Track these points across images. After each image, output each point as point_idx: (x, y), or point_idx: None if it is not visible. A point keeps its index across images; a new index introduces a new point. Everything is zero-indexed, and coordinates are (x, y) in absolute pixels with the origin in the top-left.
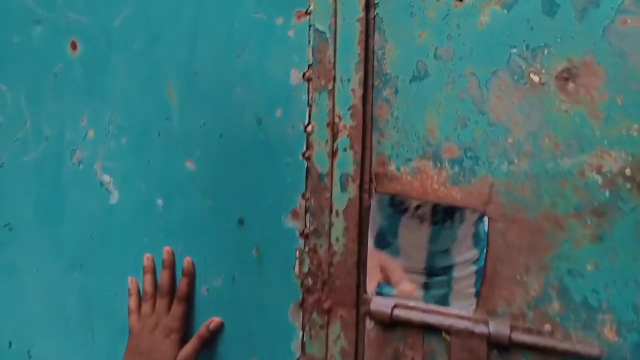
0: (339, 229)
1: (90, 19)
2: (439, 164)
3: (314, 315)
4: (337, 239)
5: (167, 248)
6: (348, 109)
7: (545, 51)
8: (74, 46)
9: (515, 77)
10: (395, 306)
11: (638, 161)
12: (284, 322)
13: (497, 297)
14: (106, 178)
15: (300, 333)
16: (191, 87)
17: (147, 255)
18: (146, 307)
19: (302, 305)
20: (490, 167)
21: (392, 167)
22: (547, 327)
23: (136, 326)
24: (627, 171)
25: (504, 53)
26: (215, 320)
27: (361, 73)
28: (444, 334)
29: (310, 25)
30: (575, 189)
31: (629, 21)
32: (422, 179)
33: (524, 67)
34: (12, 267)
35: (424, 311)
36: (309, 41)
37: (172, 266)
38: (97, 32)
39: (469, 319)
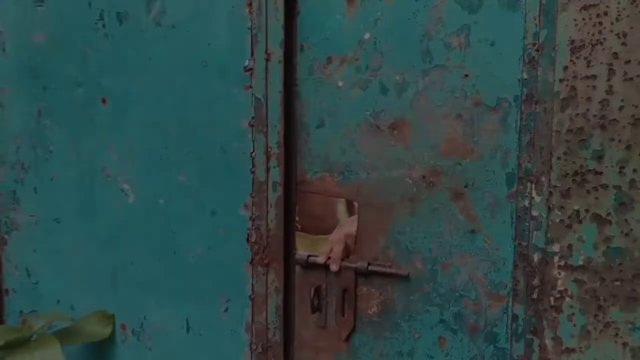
0: (272, 215)
1: (115, 83)
2: (332, 174)
3: (259, 268)
4: (271, 221)
5: None
6: (276, 143)
7: (382, 113)
8: (103, 101)
9: (370, 127)
10: (309, 256)
11: (429, 172)
12: (241, 273)
13: (363, 249)
14: (126, 186)
15: (251, 279)
16: (181, 129)
17: None
18: None
19: (251, 262)
20: (357, 176)
21: (307, 176)
22: (388, 263)
23: None
24: (424, 177)
25: (362, 114)
26: None
27: (282, 122)
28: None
29: (252, 94)
30: (399, 187)
31: (421, 99)
32: (324, 183)
33: (373, 122)
34: (59, 248)
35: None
36: (252, 103)
37: None
38: (120, 93)
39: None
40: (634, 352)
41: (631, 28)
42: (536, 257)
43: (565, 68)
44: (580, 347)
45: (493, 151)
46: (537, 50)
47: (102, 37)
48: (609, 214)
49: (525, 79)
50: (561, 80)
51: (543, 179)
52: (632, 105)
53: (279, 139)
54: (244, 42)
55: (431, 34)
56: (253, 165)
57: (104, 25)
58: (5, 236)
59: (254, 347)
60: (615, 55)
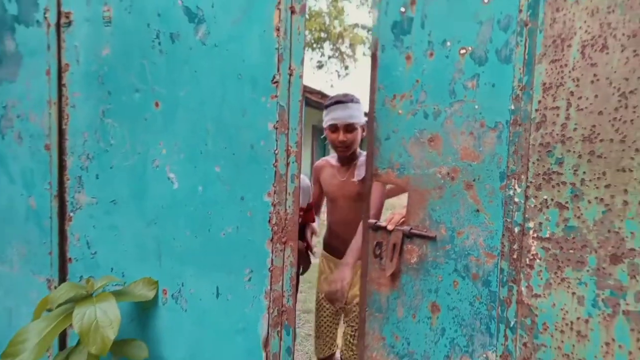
0: (290, 202)
1: (167, 90)
2: (393, 170)
3: (277, 245)
4: (289, 207)
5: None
6: (295, 142)
7: (424, 131)
8: (157, 104)
9: (416, 140)
10: (375, 222)
11: (451, 170)
12: (263, 249)
13: (409, 219)
14: (172, 175)
15: (270, 254)
16: (218, 129)
17: None
18: None
19: (272, 240)
20: (408, 172)
21: (379, 171)
22: (424, 229)
23: None
24: (448, 173)
25: (413, 131)
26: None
27: (301, 125)
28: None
29: (277, 102)
30: (433, 179)
31: (448, 122)
32: (388, 175)
33: (418, 136)
34: (115, 225)
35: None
36: (277, 109)
37: None
38: (170, 98)
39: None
40: (579, 299)
41: (582, 75)
42: (517, 230)
43: (539, 102)
44: (544, 294)
45: (491, 157)
46: (521, 90)
47: (157, 53)
48: (566, 202)
49: (513, 109)
50: (536, 110)
51: (523, 176)
52: (582, 127)
53: (298, 139)
54: (272, 60)
55: (455, 79)
56: (276, 160)
57: (159, 43)
58: (71, 214)
59: (271, 310)
60: (572, 93)
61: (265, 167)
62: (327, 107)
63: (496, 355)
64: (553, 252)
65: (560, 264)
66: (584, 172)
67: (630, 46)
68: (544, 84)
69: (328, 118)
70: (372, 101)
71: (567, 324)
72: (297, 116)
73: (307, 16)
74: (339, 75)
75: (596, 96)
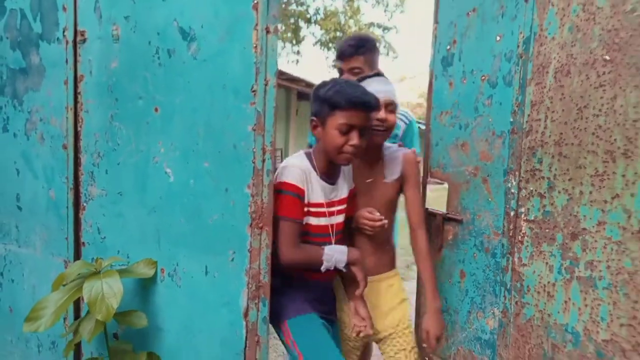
0: (265, 193)
1: (165, 98)
2: (439, 169)
3: (255, 229)
4: (265, 197)
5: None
6: (270, 142)
7: (460, 139)
8: (156, 110)
9: (455, 146)
10: (427, 207)
11: (474, 168)
12: (244, 234)
13: (448, 206)
14: (168, 170)
15: (250, 238)
16: (207, 131)
17: None
18: None
19: (250, 225)
20: (448, 170)
21: (432, 170)
22: (457, 214)
23: None
24: (472, 171)
25: (453, 139)
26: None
27: (275, 127)
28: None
29: (255, 108)
30: (463, 175)
31: (473, 132)
32: (437, 173)
33: (456, 143)
34: (121, 213)
35: None
36: (255, 114)
37: None
38: (167, 105)
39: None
40: (550, 268)
41: (554, 94)
42: (512, 214)
43: (528, 115)
44: (529, 263)
45: (498, 158)
46: (517, 106)
47: (157, 66)
48: (544, 192)
49: (512, 121)
50: (526, 122)
51: (517, 172)
52: (554, 134)
53: (272, 139)
54: (251, 72)
55: (478, 99)
56: (254, 157)
57: (158, 58)
58: (84, 204)
59: (250, 286)
60: (548, 108)
61: (245, 163)
62: (361, 80)
63: (499, 311)
64: (535, 231)
65: (540, 240)
66: (556, 169)
67: (584, 71)
68: (532, 101)
69: None
70: (428, 117)
71: (542, 287)
72: (272, 120)
73: (279, 35)
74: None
75: (563, 110)
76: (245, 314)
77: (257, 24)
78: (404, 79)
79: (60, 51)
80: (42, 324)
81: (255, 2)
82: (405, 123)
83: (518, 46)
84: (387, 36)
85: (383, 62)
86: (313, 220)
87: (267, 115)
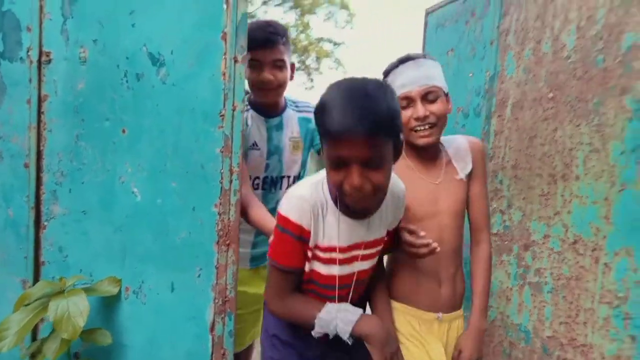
0: (232, 211)
1: (132, 119)
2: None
3: (222, 247)
4: (232, 215)
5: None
6: (237, 164)
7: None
8: (124, 131)
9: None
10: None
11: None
12: (211, 251)
13: None
14: (135, 189)
15: (216, 254)
16: (176, 152)
17: None
18: None
19: (217, 242)
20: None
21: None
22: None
23: None
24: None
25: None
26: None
27: (242, 150)
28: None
29: (223, 132)
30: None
31: None
32: None
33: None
34: (85, 232)
35: None
36: (223, 137)
37: None
38: (135, 126)
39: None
40: (508, 275)
41: (511, 125)
42: None
43: (492, 143)
44: (493, 272)
45: None
46: (484, 135)
47: (125, 88)
48: (504, 209)
49: (483, 139)
50: (491, 148)
51: None
52: (511, 159)
53: (239, 161)
54: (219, 97)
55: (455, 127)
56: (221, 178)
57: (127, 81)
58: (45, 223)
59: (216, 301)
60: (507, 137)
61: (213, 183)
62: (387, 74)
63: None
64: (498, 243)
65: (501, 251)
66: (513, 189)
67: (533, 107)
68: (495, 131)
69: (394, 87)
70: None
71: (502, 292)
72: (239, 142)
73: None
74: (305, 88)
75: (518, 139)
76: (212, 328)
77: (225, 53)
78: None
79: (23, 70)
80: (5, 345)
81: (224, 32)
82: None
83: (485, 83)
84: (337, 51)
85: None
86: (321, 268)
87: (234, 138)
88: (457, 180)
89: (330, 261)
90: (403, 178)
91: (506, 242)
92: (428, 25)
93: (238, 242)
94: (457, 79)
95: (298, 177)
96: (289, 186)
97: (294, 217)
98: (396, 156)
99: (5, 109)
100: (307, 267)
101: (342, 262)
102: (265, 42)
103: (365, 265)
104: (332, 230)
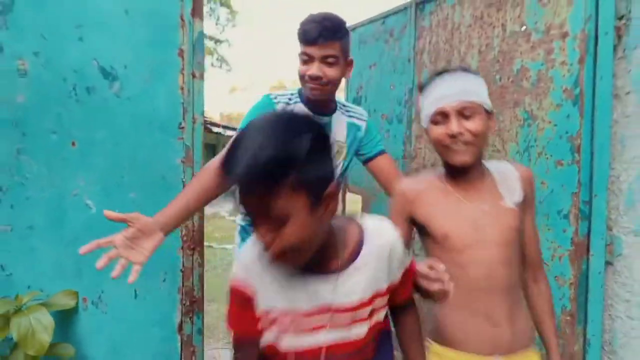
0: (196, 218)
1: (83, 133)
2: None
3: (187, 250)
4: (195, 222)
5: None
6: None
7: None
8: (73, 144)
9: None
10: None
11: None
12: (174, 256)
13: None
14: (90, 202)
15: (182, 258)
16: (133, 164)
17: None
18: None
19: (182, 247)
20: None
21: None
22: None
23: None
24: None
25: None
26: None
27: (203, 159)
28: None
29: (184, 142)
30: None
31: None
32: None
33: None
34: (32, 248)
35: None
36: (184, 148)
37: None
38: (86, 139)
39: None
40: None
41: (430, 142)
42: None
43: (414, 145)
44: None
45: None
46: (407, 138)
47: (74, 102)
48: None
49: (403, 149)
50: (413, 150)
51: None
52: (430, 159)
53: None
54: (178, 110)
55: (380, 132)
56: (183, 186)
57: (76, 94)
58: None
59: (184, 302)
60: (426, 140)
61: (174, 192)
62: (422, 88)
63: None
64: None
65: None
66: None
67: None
68: (416, 135)
69: (429, 102)
70: None
71: None
72: (200, 152)
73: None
74: None
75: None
76: (180, 329)
77: (183, 68)
78: (235, 90)
79: None
80: None
81: (181, 49)
82: (364, 121)
83: (405, 94)
84: (220, 49)
85: (216, 75)
86: (284, 341)
87: (195, 148)
88: (505, 208)
89: (300, 330)
90: (439, 203)
91: None
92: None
93: (203, 245)
94: (380, 90)
95: None
96: None
97: (235, 278)
98: (325, 206)
99: None
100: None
101: (297, 331)
102: (317, 38)
103: (362, 329)
104: (274, 289)
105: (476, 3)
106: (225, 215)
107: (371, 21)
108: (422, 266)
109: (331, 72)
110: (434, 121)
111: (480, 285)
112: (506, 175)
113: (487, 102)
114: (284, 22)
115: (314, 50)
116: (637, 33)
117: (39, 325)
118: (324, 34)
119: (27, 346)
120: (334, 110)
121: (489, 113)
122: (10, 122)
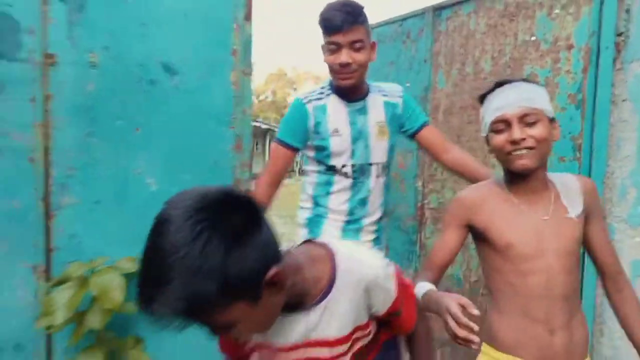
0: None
1: (145, 120)
2: None
3: None
4: None
5: None
6: (248, 158)
7: None
8: (137, 129)
9: None
10: None
11: (393, 174)
12: None
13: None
14: (150, 180)
15: None
16: (189, 149)
17: None
18: None
19: None
20: None
21: None
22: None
23: None
24: (395, 176)
25: None
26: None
27: (251, 146)
28: None
29: (234, 132)
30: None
31: None
32: None
33: None
34: (99, 220)
35: None
36: (234, 136)
37: None
38: (148, 125)
39: None
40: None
41: (443, 127)
42: (419, 204)
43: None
44: (431, 237)
45: (411, 166)
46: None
47: (138, 92)
48: (439, 189)
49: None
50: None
51: (422, 177)
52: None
53: (250, 156)
54: (230, 103)
55: None
56: (232, 171)
57: (140, 85)
58: (56, 212)
59: None
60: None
61: (225, 175)
62: (483, 99)
63: (412, 271)
64: (434, 216)
65: (436, 222)
66: (445, 174)
67: (461, 113)
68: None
69: (489, 110)
70: None
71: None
72: (249, 141)
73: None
74: None
75: (449, 137)
76: None
77: (235, 66)
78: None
79: (23, 70)
80: (58, 317)
81: (234, 49)
82: (400, 97)
83: (421, 92)
84: None
85: None
86: None
87: (244, 137)
88: (567, 219)
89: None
90: (501, 211)
91: (440, 215)
92: None
93: None
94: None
95: (386, 166)
96: (378, 174)
97: None
98: (270, 292)
99: (5, 107)
100: None
101: None
102: (342, 24)
103: None
104: None
105: (491, 13)
106: None
107: (387, 23)
108: (453, 304)
109: (360, 56)
110: (495, 129)
111: (539, 293)
112: (568, 187)
113: (549, 109)
114: (284, 11)
115: (340, 38)
116: (634, 48)
117: (113, 285)
118: (348, 20)
119: (104, 302)
120: (367, 94)
121: (552, 121)
122: (82, 109)
